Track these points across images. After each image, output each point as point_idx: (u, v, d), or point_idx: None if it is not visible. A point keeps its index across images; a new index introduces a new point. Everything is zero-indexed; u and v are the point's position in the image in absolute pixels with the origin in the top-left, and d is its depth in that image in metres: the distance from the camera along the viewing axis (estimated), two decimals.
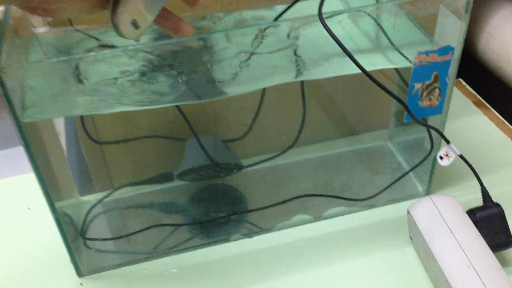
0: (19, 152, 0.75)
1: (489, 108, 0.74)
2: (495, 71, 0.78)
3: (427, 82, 0.52)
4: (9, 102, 0.42)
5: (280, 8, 0.57)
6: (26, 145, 0.45)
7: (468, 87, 0.79)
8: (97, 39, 0.56)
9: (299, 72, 0.49)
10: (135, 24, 0.37)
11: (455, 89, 0.77)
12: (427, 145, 0.59)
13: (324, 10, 0.44)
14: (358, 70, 0.45)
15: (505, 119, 0.72)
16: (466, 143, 0.68)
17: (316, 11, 0.47)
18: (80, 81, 0.45)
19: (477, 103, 0.75)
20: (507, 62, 0.74)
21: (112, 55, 0.43)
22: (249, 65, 0.48)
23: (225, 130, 0.63)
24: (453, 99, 0.55)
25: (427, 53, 0.50)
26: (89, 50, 0.54)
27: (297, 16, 0.46)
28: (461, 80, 0.80)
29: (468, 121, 0.72)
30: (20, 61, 0.46)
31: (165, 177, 0.62)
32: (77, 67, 0.44)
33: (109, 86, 0.46)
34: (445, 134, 0.54)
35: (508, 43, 0.74)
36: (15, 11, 0.49)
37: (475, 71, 0.82)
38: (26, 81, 0.43)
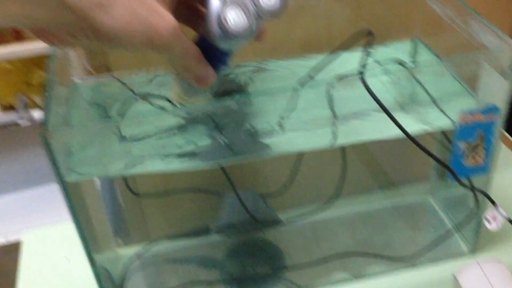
0: (55, 189, 0.78)
1: None
2: None
3: (472, 142, 0.51)
4: (54, 164, 0.42)
5: (315, 60, 0.58)
6: (69, 203, 0.46)
7: (510, 137, 0.76)
8: (134, 92, 0.57)
9: (337, 136, 0.49)
10: (182, 105, 0.45)
11: None
12: (472, 202, 0.57)
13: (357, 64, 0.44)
14: (398, 132, 0.44)
15: None
16: (511, 199, 0.66)
17: (351, 66, 0.47)
18: (123, 139, 0.46)
19: None
20: None
21: (154, 118, 0.43)
22: (287, 128, 0.48)
23: (264, 184, 0.62)
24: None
25: (471, 112, 0.49)
26: (127, 102, 0.55)
27: (337, 76, 0.45)
28: (503, 131, 0.78)
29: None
30: (64, 123, 0.47)
31: (202, 231, 0.62)
32: (118, 128, 0.45)
33: (150, 144, 0.47)
34: (490, 191, 0.53)
35: None
36: (58, 62, 0.50)
37: None
38: (70, 143, 0.44)
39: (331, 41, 0.62)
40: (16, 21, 0.34)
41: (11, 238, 0.73)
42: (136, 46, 0.37)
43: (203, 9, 0.43)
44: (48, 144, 0.41)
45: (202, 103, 0.46)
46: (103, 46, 0.37)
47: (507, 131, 0.77)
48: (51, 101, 0.44)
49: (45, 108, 0.44)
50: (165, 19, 0.37)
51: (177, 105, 0.45)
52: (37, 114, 0.82)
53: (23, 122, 0.76)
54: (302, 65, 0.58)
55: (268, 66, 0.59)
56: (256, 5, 0.39)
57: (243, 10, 0.38)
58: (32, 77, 0.82)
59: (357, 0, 0.60)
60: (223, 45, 0.40)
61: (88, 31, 0.35)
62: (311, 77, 0.55)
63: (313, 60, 0.57)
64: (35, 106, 0.94)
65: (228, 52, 0.42)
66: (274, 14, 0.40)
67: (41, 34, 0.37)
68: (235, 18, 0.38)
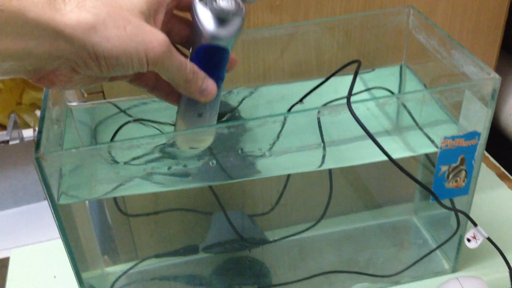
0: (43, 207, 0.78)
1: None
2: None
3: (454, 165, 0.52)
4: (47, 186, 0.43)
5: (304, 85, 0.59)
6: (60, 224, 0.46)
7: (491, 159, 0.79)
8: (128, 114, 0.58)
9: (324, 160, 0.50)
10: (192, 147, 0.47)
11: None
12: (453, 222, 0.59)
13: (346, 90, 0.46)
14: (383, 157, 0.46)
15: None
16: (491, 218, 0.68)
17: (340, 92, 0.49)
18: (113, 162, 0.47)
19: (501, 176, 0.75)
20: None
21: (146, 142, 0.44)
22: (276, 151, 0.49)
23: (252, 204, 0.63)
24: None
25: (453, 138, 0.50)
26: (121, 126, 0.56)
27: (326, 106, 0.47)
28: (484, 151, 0.80)
29: (492, 194, 0.72)
30: (57, 145, 0.47)
31: (190, 250, 0.62)
32: (109, 151, 0.46)
33: (141, 168, 0.47)
34: (470, 211, 0.54)
35: None
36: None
37: (499, 142, 0.82)
38: (62, 166, 0.45)
39: (320, 68, 0.64)
40: (16, 64, 0.35)
41: None
42: (134, 65, 0.37)
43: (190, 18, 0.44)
44: (41, 167, 0.42)
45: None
46: (104, 73, 0.37)
47: (489, 153, 0.80)
48: (45, 124, 0.45)
49: (39, 131, 0.44)
50: (157, 36, 0.38)
51: (187, 150, 0.47)
52: (27, 133, 0.82)
53: (13, 141, 0.76)
54: (292, 91, 0.60)
55: (259, 91, 0.60)
56: None
57: None
58: (23, 97, 0.82)
59: (346, 28, 0.62)
60: (219, 39, 0.41)
61: (87, 59, 0.36)
62: (301, 102, 0.57)
63: (303, 86, 0.59)
64: (26, 125, 0.95)
65: (224, 57, 0.42)
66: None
67: (41, 78, 0.37)
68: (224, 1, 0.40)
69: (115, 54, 0.36)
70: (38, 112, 0.94)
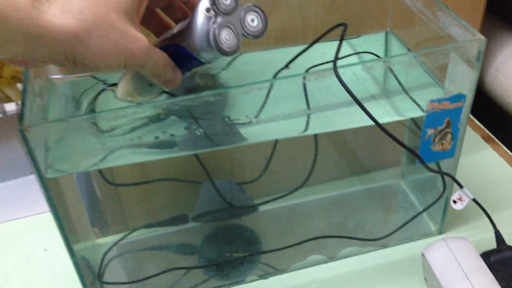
0: (29, 181, 0.77)
1: (498, 144, 0.75)
2: (503, 105, 0.79)
3: (439, 128, 0.53)
4: (33, 160, 0.43)
5: (290, 51, 0.59)
6: (48, 197, 0.46)
7: (476, 121, 0.79)
8: (106, 83, 0.57)
9: (311, 125, 0.50)
10: (129, 101, 0.47)
11: None
12: (440, 184, 0.60)
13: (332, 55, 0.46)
14: (370, 122, 0.46)
15: None
16: (476, 180, 0.69)
17: (326, 57, 0.48)
18: (99, 133, 0.46)
19: (486, 138, 0.76)
20: None
21: (132, 111, 0.44)
22: (262, 117, 0.49)
23: (239, 172, 0.63)
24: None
25: (439, 100, 0.51)
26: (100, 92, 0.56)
27: (312, 71, 0.47)
28: (471, 116, 0.81)
29: (477, 156, 0.73)
30: (41, 118, 0.47)
31: (180, 219, 0.63)
32: (95, 122, 0.45)
33: (127, 137, 0.47)
34: (456, 173, 0.55)
35: None
36: None
37: (484, 105, 0.82)
38: (48, 138, 0.44)
39: (306, 33, 0.64)
40: None
41: None
42: (112, 69, 0.38)
43: (169, 20, 0.46)
44: (26, 139, 0.41)
45: (152, 100, 0.47)
46: (78, 73, 0.37)
47: (474, 115, 0.81)
48: (28, 97, 0.44)
49: (22, 103, 0.43)
50: (139, 42, 0.38)
51: (124, 101, 0.47)
52: (9, 107, 0.81)
53: None
54: (277, 56, 0.59)
55: (243, 57, 0.60)
56: (243, 27, 0.42)
57: (233, 31, 0.41)
58: (4, 70, 0.80)
59: None
60: (205, 58, 0.42)
61: (65, 63, 0.36)
62: (286, 68, 0.56)
63: (288, 52, 0.58)
64: (8, 99, 0.93)
65: (199, 65, 0.43)
66: (256, 36, 0.43)
67: (14, 61, 0.37)
68: (227, 38, 0.41)
69: (95, 62, 0.36)
70: (20, 86, 0.92)
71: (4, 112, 0.75)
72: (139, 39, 0.38)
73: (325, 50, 0.57)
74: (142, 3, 0.40)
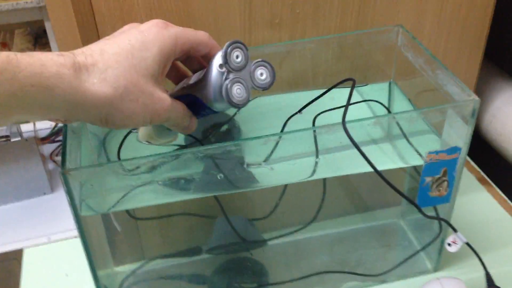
0: (44, 201, 0.82)
1: (492, 186, 0.80)
2: (498, 149, 0.84)
3: (437, 176, 0.58)
4: (71, 199, 0.47)
5: (301, 96, 0.64)
6: (81, 234, 0.51)
7: (472, 163, 0.84)
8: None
9: (319, 170, 0.55)
10: (149, 142, 0.51)
11: None
12: (436, 226, 0.65)
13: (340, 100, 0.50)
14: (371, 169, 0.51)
15: (507, 197, 0.78)
16: (470, 221, 0.73)
17: (334, 102, 0.52)
18: (126, 177, 0.51)
19: (481, 180, 0.81)
20: (509, 143, 0.80)
21: (159, 161, 0.49)
22: (274, 162, 0.54)
23: (252, 210, 0.68)
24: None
25: (436, 152, 0.56)
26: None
27: (322, 125, 0.52)
28: (468, 159, 0.86)
29: (472, 198, 0.77)
30: (77, 158, 0.52)
31: (194, 251, 0.67)
32: (125, 169, 0.50)
33: (155, 183, 0.52)
34: (451, 218, 0.60)
35: (509, 125, 0.80)
36: None
37: (480, 148, 0.87)
38: (82, 180, 0.49)
39: (316, 79, 0.69)
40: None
41: None
42: (138, 126, 0.43)
43: (186, 70, 0.50)
44: (67, 181, 0.46)
45: (170, 143, 0.52)
46: (109, 128, 0.42)
47: (471, 157, 0.85)
48: (67, 140, 0.49)
49: (63, 146, 0.48)
50: (163, 102, 0.43)
51: (145, 143, 0.51)
52: (25, 127, 0.85)
53: (14, 138, 0.79)
54: (289, 100, 0.64)
55: (257, 101, 0.65)
56: (253, 81, 0.46)
57: (243, 86, 0.45)
58: None
59: (340, 45, 0.67)
60: (217, 108, 0.46)
61: (99, 123, 0.40)
62: (299, 113, 0.61)
63: (299, 96, 0.63)
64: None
65: (212, 113, 0.48)
66: (265, 88, 0.47)
67: (51, 119, 0.41)
68: (239, 92, 0.45)
69: (124, 122, 0.41)
70: None
71: (20, 134, 0.79)
72: (164, 100, 0.43)
73: (334, 95, 0.62)
74: (166, 66, 0.44)
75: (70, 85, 0.37)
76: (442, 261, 0.67)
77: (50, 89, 0.36)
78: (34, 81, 0.35)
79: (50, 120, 0.41)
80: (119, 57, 0.40)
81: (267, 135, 0.50)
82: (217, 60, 0.45)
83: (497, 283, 0.60)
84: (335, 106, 0.61)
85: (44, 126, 0.94)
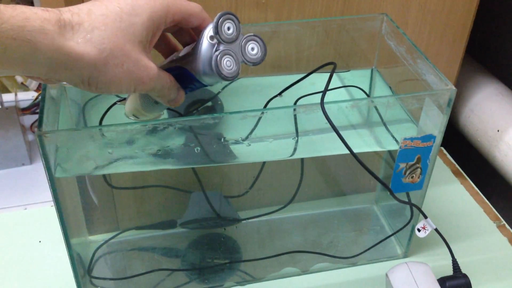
0: (22, 171, 0.81)
1: (466, 179, 0.81)
2: (474, 144, 0.85)
3: (411, 163, 0.59)
4: (47, 161, 0.47)
5: (283, 79, 0.65)
6: (55, 196, 0.51)
7: (448, 156, 0.86)
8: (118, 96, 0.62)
9: (298, 150, 0.56)
10: (136, 116, 0.50)
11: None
12: (408, 213, 0.66)
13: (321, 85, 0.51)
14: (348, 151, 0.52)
15: (479, 190, 0.79)
16: (441, 210, 0.75)
17: (316, 86, 0.53)
18: (104, 142, 0.51)
19: (456, 173, 0.82)
20: (485, 138, 0.82)
21: (137, 129, 0.49)
22: (254, 139, 0.54)
23: (228, 186, 0.69)
24: (434, 167, 0.62)
25: (411, 139, 0.57)
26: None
27: (301, 105, 0.52)
28: (442, 148, 0.88)
29: (445, 189, 0.79)
30: (54, 123, 0.52)
31: (169, 224, 0.68)
32: (103, 133, 0.50)
33: (132, 149, 0.52)
34: (424, 200, 0.61)
35: (486, 121, 0.82)
36: None
37: (457, 141, 0.89)
38: (60, 143, 0.49)
39: (299, 63, 0.69)
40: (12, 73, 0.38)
41: None
42: (122, 93, 0.42)
43: (176, 43, 0.49)
44: (42, 143, 0.46)
45: (157, 116, 0.52)
46: (91, 92, 0.41)
47: (447, 150, 0.87)
48: (45, 104, 0.49)
49: (40, 110, 0.48)
50: (149, 70, 0.42)
51: (132, 118, 0.51)
52: (6, 97, 0.84)
53: None
54: (272, 83, 0.65)
55: (240, 82, 0.65)
56: (243, 55, 0.46)
57: (233, 58, 0.45)
58: None
59: (325, 29, 0.67)
60: (207, 81, 0.46)
61: (81, 85, 0.40)
62: (280, 95, 0.62)
63: (282, 79, 0.64)
64: (5, 90, 0.97)
65: (201, 87, 0.47)
66: (255, 63, 0.47)
67: (32, 77, 0.41)
68: (228, 65, 0.44)
69: (107, 87, 0.40)
70: (17, 77, 0.94)
71: (1, 103, 0.77)
72: (150, 68, 0.42)
73: (315, 80, 0.63)
74: (155, 35, 0.43)
75: (53, 42, 0.36)
76: (412, 247, 0.68)
77: (32, 44, 0.35)
78: (16, 34, 0.34)
79: (31, 77, 0.40)
80: (107, 19, 0.39)
81: (245, 111, 0.50)
82: (208, 31, 0.44)
83: (463, 271, 0.61)
84: (317, 91, 0.62)
85: (26, 97, 0.92)
